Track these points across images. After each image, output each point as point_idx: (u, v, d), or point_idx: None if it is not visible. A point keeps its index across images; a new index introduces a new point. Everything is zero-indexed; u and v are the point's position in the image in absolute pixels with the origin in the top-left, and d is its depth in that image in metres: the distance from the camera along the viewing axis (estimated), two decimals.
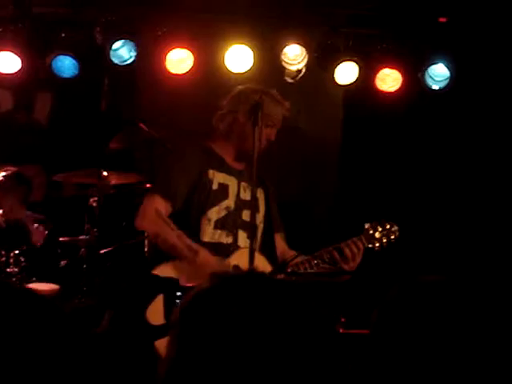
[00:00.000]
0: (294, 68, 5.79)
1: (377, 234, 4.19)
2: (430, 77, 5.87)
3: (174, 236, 3.93)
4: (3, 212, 5.53)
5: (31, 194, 5.86)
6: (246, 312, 1.50)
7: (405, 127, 6.66)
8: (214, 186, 4.12)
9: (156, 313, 3.83)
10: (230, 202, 4.12)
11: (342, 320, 4.85)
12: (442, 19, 5.77)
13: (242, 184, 4.18)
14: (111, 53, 5.58)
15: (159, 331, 3.76)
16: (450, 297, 1.72)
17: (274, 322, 1.50)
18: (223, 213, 4.10)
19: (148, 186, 5.65)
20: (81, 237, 5.65)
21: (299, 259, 4.07)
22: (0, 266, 5.29)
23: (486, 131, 6.45)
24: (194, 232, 4.05)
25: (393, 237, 4.23)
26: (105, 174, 5.63)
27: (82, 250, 5.62)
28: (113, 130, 6.02)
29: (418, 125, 6.61)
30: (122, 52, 5.64)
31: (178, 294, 3.82)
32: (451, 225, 6.45)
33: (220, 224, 4.09)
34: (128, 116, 6.27)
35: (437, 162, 6.62)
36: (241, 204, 4.14)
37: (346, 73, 5.81)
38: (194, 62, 5.70)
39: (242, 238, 4.11)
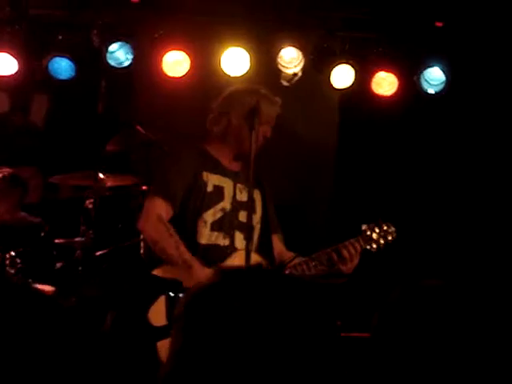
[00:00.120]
0: (290, 71, 5.80)
1: (374, 235, 4.19)
2: (426, 80, 5.89)
3: (171, 246, 3.91)
4: None
5: (27, 195, 5.86)
6: (251, 306, 1.50)
7: (401, 131, 6.68)
8: (209, 189, 4.11)
9: (158, 314, 3.83)
10: (225, 204, 4.12)
11: (338, 323, 4.87)
12: (438, 23, 5.78)
13: (238, 185, 4.17)
14: (108, 55, 5.59)
15: (161, 332, 3.77)
16: (452, 301, 1.72)
17: (279, 316, 1.50)
18: (219, 215, 4.10)
19: (144, 188, 5.66)
20: (76, 239, 5.65)
21: (297, 261, 4.08)
22: None
23: (482, 135, 6.47)
24: (191, 234, 4.04)
25: (390, 238, 4.23)
26: (101, 176, 5.62)
27: (78, 251, 5.61)
28: (109, 132, 6.02)
29: (413, 128, 6.63)
30: (119, 54, 5.65)
31: (180, 295, 3.83)
32: (447, 227, 6.47)
33: (216, 226, 4.08)
34: (125, 118, 6.28)
35: (433, 165, 6.63)
36: (237, 205, 4.13)
37: (342, 76, 5.82)
38: (191, 64, 5.71)
39: (239, 240, 4.10)
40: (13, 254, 5.34)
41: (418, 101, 6.07)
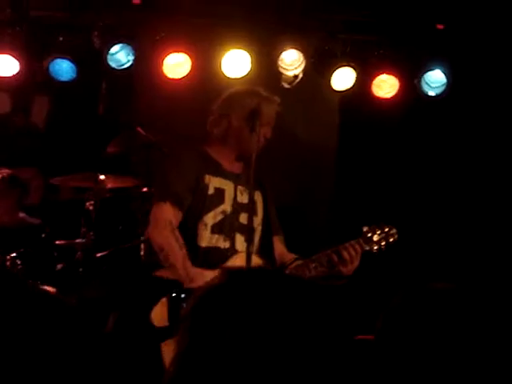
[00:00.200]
0: (290, 73, 5.80)
1: (375, 237, 4.19)
2: (427, 83, 5.89)
3: (177, 257, 3.89)
4: None
5: (27, 197, 5.86)
6: (258, 307, 1.50)
7: (401, 133, 6.68)
8: (210, 191, 4.10)
9: (160, 315, 3.83)
10: (226, 207, 4.10)
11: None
12: (439, 26, 5.78)
13: (239, 187, 4.16)
14: (109, 57, 5.59)
15: (163, 333, 3.77)
16: (457, 305, 1.72)
17: (285, 317, 1.50)
18: (219, 217, 4.09)
19: (144, 190, 5.66)
20: (77, 240, 5.64)
21: (297, 262, 4.08)
22: None
23: (483, 137, 6.47)
24: (192, 237, 4.03)
25: (391, 239, 4.23)
26: (101, 177, 5.62)
27: (79, 253, 5.61)
28: (110, 133, 6.02)
29: (414, 131, 6.63)
30: (120, 56, 5.65)
31: (183, 296, 3.83)
32: (448, 229, 6.47)
33: (217, 228, 4.07)
34: (125, 120, 6.28)
35: (433, 167, 6.63)
36: (238, 207, 4.12)
37: (343, 78, 5.82)
38: (192, 66, 5.71)
39: (240, 242, 4.08)
40: (13, 255, 5.34)
41: (419, 103, 6.08)
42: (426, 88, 5.89)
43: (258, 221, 4.21)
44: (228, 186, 4.15)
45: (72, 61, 5.59)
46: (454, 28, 5.83)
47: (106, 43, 5.59)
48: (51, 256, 5.57)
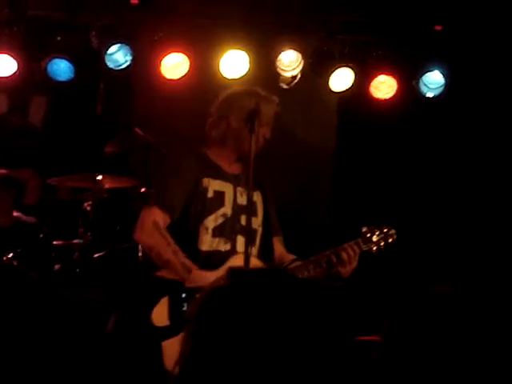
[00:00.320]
0: (288, 74, 5.80)
1: (374, 238, 4.19)
2: (425, 84, 5.89)
3: (169, 251, 3.89)
4: None
5: (23, 197, 5.85)
6: (265, 310, 1.48)
7: (399, 134, 6.68)
8: (210, 194, 4.08)
9: (161, 315, 3.83)
10: (226, 209, 4.09)
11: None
12: (438, 27, 5.79)
13: (239, 189, 4.14)
14: (107, 57, 5.58)
15: (164, 333, 3.76)
16: (458, 308, 1.72)
17: (294, 321, 1.49)
18: (220, 220, 4.07)
19: (142, 190, 5.65)
20: (75, 240, 5.64)
21: (296, 263, 4.07)
22: None
23: (481, 138, 6.47)
24: (192, 241, 4.02)
25: (390, 240, 4.23)
26: (99, 178, 5.61)
27: (76, 253, 5.60)
28: (108, 134, 6.02)
29: (412, 132, 6.63)
30: (118, 56, 5.65)
31: (183, 295, 3.82)
32: (445, 229, 6.47)
33: (218, 231, 4.05)
34: (123, 120, 6.28)
35: (431, 168, 6.64)
36: (238, 209, 4.10)
37: (341, 79, 5.82)
38: (190, 66, 5.71)
39: (241, 244, 4.05)
40: (10, 255, 5.32)
41: (417, 104, 6.08)
42: (424, 89, 5.90)
43: (258, 222, 4.20)
44: (228, 189, 4.13)
45: (70, 61, 5.59)
46: (452, 29, 5.83)
47: (104, 43, 5.58)
48: (49, 256, 5.56)
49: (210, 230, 4.04)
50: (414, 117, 6.45)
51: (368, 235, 4.19)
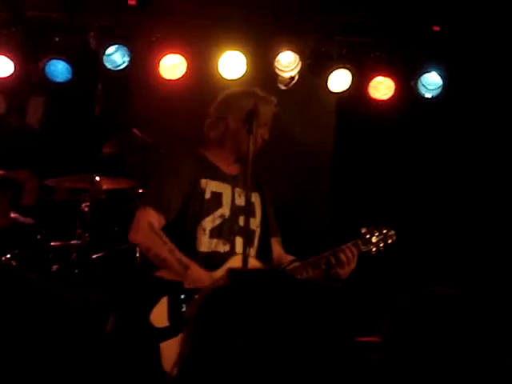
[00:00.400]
0: (286, 75, 5.80)
1: (373, 239, 4.18)
2: (423, 85, 5.89)
3: (165, 250, 3.90)
4: None
5: (21, 198, 5.84)
6: (265, 311, 1.48)
7: (397, 135, 6.68)
8: (207, 196, 4.08)
9: (160, 315, 3.82)
10: (224, 210, 4.08)
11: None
12: (436, 28, 5.79)
13: (237, 190, 4.14)
14: (105, 58, 5.58)
15: (163, 334, 3.76)
16: (458, 309, 1.72)
17: (293, 322, 1.49)
18: (218, 221, 4.06)
19: (140, 191, 5.65)
20: (72, 241, 5.63)
21: (294, 264, 4.06)
22: None
23: (479, 139, 6.47)
24: (190, 242, 4.01)
25: (390, 241, 4.22)
26: (97, 179, 5.61)
27: (74, 254, 5.59)
28: (106, 134, 6.01)
29: (410, 133, 6.63)
30: (116, 57, 5.65)
31: (182, 296, 3.82)
32: (444, 230, 6.47)
33: (216, 233, 4.05)
34: (121, 121, 6.28)
35: (429, 169, 6.64)
36: (236, 210, 4.10)
37: (339, 80, 5.82)
38: (188, 67, 5.71)
39: (240, 245, 4.04)
40: (8, 256, 5.32)
41: (415, 105, 6.08)
42: (422, 90, 5.90)
43: (256, 223, 4.19)
44: (226, 190, 4.12)
45: (68, 62, 5.59)
46: (450, 30, 5.83)
47: (102, 44, 5.58)
48: (46, 257, 5.56)
49: (207, 231, 4.04)
50: (412, 118, 6.45)
51: (367, 236, 4.18)
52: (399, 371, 1.68)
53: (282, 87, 5.81)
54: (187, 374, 1.49)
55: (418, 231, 6.35)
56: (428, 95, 5.91)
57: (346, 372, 1.54)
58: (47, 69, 5.58)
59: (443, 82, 5.84)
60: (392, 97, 5.93)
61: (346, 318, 4.73)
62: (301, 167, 6.92)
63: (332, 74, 5.78)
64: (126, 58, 5.63)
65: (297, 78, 5.81)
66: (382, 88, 5.94)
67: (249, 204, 3.96)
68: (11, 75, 5.53)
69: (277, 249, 4.27)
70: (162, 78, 5.73)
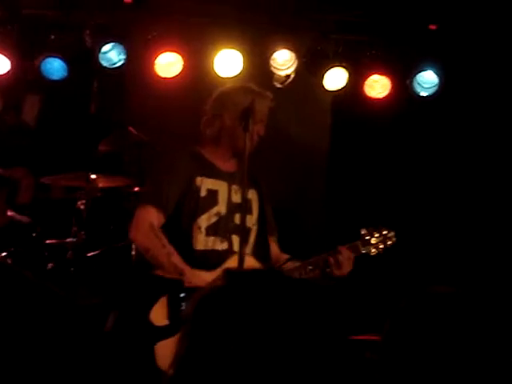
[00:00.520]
0: (282, 73, 5.80)
1: (373, 240, 4.17)
2: (419, 83, 5.90)
3: (163, 254, 3.89)
4: None
5: (17, 196, 5.84)
6: (261, 311, 1.48)
7: (393, 133, 6.69)
8: (202, 193, 4.06)
9: (160, 314, 3.82)
10: (220, 208, 4.06)
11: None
12: (432, 26, 5.79)
13: (234, 187, 4.12)
14: (100, 56, 5.58)
15: (163, 332, 3.75)
16: (458, 308, 1.72)
17: (290, 321, 1.49)
18: (214, 219, 4.04)
19: (136, 189, 5.65)
20: (68, 239, 5.63)
21: (292, 264, 4.05)
22: None
23: (475, 137, 6.48)
24: (186, 240, 4.00)
25: (389, 243, 4.21)
26: (93, 177, 5.61)
27: (70, 252, 5.59)
28: (102, 132, 6.02)
29: (406, 131, 6.63)
30: (112, 55, 5.65)
31: (182, 295, 3.81)
32: (443, 229, 6.47)
33: (212, 230, 4.03)
34: (117, 119, 6.28)
35: (425, 167, 6.64)
36: (233, 208, 4.07)
37: (335, 79, 5.83)
38: (184, 65, 5.71)
39: (237, 243, 3.99)
40: (3, 254, 5.32)
41: (411, 104, 6.09)
42: (418, 88, 5.91)
43: (253, 220, 4.17)
44: (222, 187, 4.10)
45: (63, 59, 5.59)
46: (446, 28, 5.84)
47: (98, 42, 5.58)
48: (42, 255, 5.55)
49: (203, 229, 4.03)
50: (408, 116, 6.45)
51: (367, 237, 4.17)
52: (400, 370, 1.69)
53: (278, 85, 5.81)
54: (183, 373, 1.50)
55: (414, 229, 6.35)
56: (424, 94, 5.92)
57: (342, 370, 1.55)
58: (43, 67, 5.58)
59: (439, 80, 5.85)
60: (388, 95, 5.94)
61: (342, 318, 4.74)
62: (296, 165, 6.92)
63: (328, 73, 5.79)
64: (122, 56, 5.63)
65: (293, 76, 5.82)
66: (377, 86, 5.95)
67: (245, 201, 3.95)
68: (7, 73, 5.53)
69: (273, 247, 4.26)
70: (158, 76, 5.73)
